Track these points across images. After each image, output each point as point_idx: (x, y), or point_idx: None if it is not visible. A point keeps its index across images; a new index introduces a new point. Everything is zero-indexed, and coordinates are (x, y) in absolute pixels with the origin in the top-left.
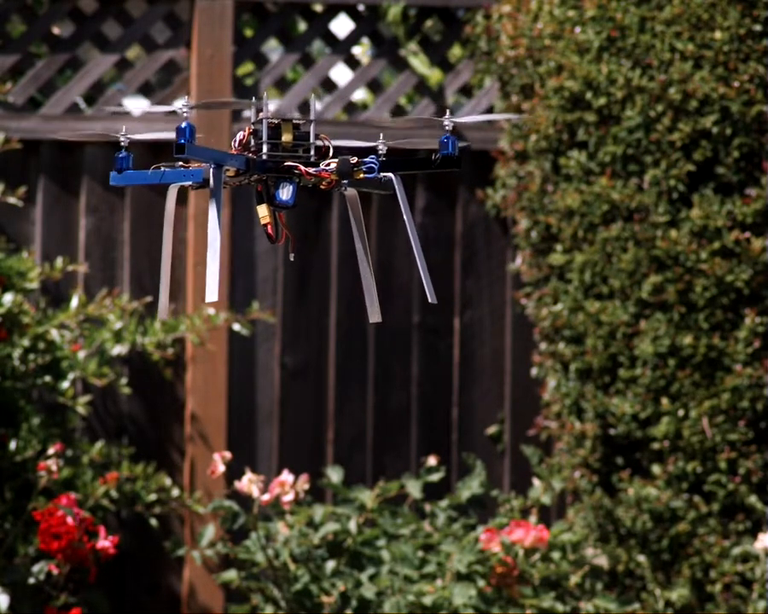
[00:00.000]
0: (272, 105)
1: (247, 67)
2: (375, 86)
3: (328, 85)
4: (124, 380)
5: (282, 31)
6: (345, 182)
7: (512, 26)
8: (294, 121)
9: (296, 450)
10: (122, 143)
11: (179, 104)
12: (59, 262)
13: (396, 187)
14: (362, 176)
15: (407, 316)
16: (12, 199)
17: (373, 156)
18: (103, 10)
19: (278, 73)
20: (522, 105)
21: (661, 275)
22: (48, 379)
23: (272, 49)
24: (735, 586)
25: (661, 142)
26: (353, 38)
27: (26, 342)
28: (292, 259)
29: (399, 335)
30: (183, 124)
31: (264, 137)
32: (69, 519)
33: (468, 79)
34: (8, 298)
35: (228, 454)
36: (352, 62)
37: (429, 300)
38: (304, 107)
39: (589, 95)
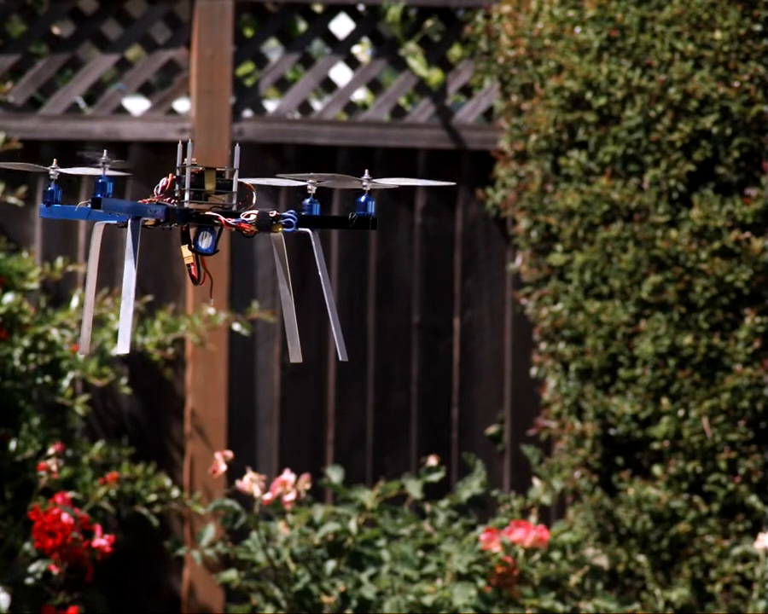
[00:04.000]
0: (272, 105)
1: (247, 67)
2: (375, 86)
3: (328, 85)
4: (124, 380)
5: (282, 31)
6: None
7: (512, 25)
8: (218, 169)
9: (296, 450)
10: (51, 176)
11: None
12: (59, 262)
13: (313, 243)
14: (280, 230)
15: (407, 316)
16: (12, 199)
17: (292, 211)
18: (103, 10)
19: (278, 73)
20: (522, 105)
21: (661, 275)
22: (48, 379)
23: (272, 49)
24: (735, 586)
25: (661, 142)
26: (353, 38)
27: (26, 342)
28: (211, 304)
29: (399, 335)
30: (101, 179)
31: (187, 185)
32: (64, 517)
33: (468, 79)
34: (9, 298)
35: (229, 454)
36: (352, 62)
37: (340, 358)
38: (304, 108)
39: (589, 95)
